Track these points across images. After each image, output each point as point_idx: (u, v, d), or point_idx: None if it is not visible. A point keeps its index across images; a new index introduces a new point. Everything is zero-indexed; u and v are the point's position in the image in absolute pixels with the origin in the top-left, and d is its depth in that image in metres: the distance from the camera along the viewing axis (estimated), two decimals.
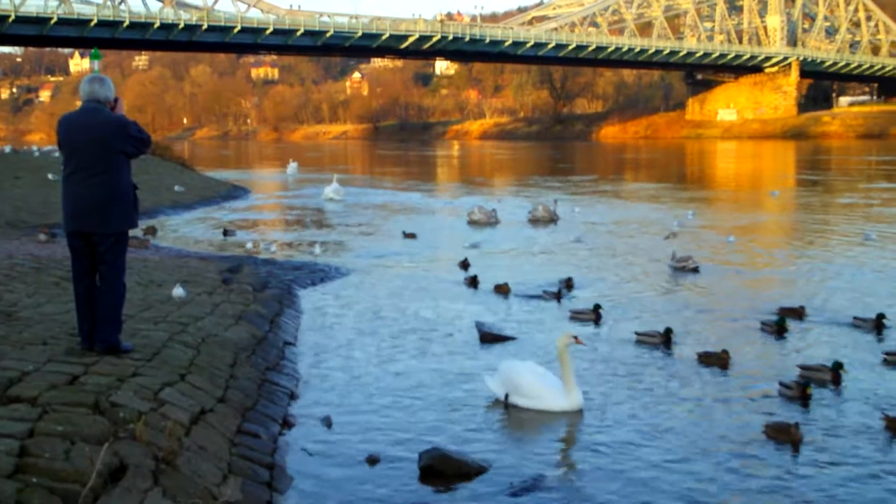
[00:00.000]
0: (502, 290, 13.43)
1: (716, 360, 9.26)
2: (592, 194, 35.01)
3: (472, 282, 14.10)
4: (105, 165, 7.02)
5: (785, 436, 7.02)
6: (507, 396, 7.92)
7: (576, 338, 7.98)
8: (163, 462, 5.29)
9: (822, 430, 7.31)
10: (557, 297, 13.03)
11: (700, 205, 29.48)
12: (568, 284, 13.80)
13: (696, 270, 15.24)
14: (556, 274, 14.86)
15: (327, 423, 7.42)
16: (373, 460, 6.59)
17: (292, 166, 51.87)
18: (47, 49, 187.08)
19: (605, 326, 11.27)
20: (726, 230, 21.19)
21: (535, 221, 23.95)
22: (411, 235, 20.90)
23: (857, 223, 23.50)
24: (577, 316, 11.65)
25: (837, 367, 8.67)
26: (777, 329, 10.68)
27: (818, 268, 16.14)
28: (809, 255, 17.86)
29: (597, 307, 11.70)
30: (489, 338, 10.41)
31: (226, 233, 21.21)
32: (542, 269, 16.05)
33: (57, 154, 32.46)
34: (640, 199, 32.65)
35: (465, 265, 15.86)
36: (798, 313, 11.61)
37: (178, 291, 10.85)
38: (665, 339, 10.16)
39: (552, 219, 24.05)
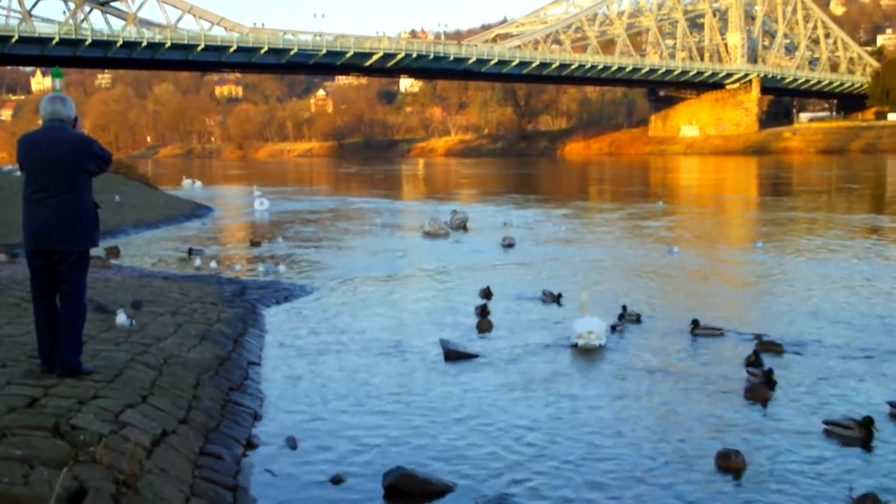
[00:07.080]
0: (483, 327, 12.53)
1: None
2: (516, 205, 36.20)
3: (483, 311, 13.08)
4: (67, 184, 6.96)
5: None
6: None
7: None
8: (123, 485, 5.23)
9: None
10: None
11: (589, 212, 35.13)
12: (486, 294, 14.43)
13: (512, 246, 21.84)
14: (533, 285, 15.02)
15: (291, 443, 7.37)
16: (337, 480, 6.56)
17: (187, 182, 56.37)
18: (8, 67, 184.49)
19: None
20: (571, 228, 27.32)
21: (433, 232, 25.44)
22: (256, 243, 23.01)
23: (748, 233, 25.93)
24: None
25: None
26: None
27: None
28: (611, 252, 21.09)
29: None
30: (454, 355, 10.42)
31: (191, 252, 21.05)
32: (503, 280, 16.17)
33: (19, 174, 32.13)
34: (545, 208, 35.89)
35: (487, 294, 14.56)
36: None
37: (120, 319, 10.05)
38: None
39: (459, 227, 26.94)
